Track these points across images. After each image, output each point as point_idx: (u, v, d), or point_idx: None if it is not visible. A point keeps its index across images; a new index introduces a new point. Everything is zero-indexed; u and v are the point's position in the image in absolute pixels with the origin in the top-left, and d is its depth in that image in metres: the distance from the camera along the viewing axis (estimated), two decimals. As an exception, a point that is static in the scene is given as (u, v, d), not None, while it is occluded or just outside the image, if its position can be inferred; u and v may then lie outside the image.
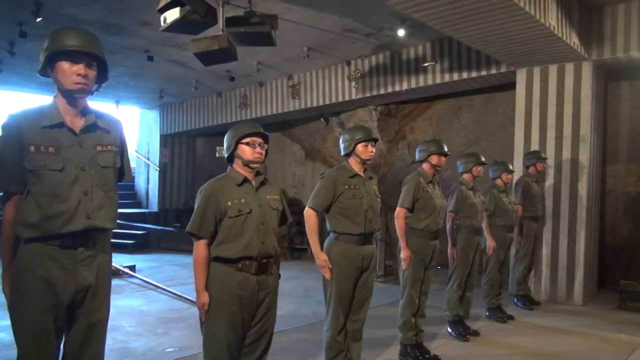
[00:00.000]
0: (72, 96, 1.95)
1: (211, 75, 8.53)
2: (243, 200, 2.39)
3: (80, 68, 1.91)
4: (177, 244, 9.58)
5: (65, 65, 1.91)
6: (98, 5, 5.56)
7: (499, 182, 5.13)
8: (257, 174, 2.52)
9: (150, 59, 7.42)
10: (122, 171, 2.18)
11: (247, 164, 2.45)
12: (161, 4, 4.17)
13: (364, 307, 3.19)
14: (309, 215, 3.12)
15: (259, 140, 2.46)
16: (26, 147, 1.88)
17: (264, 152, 2.48)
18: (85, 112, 2.02)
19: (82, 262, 1.96)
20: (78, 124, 1.99)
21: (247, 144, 2.43)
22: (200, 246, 2.40)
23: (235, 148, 2.45)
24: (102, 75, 2.06)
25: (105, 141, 2.05)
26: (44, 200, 1.89)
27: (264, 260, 2.43)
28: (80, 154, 1.96)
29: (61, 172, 1.91)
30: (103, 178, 2.02)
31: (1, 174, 1.93)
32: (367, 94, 7.70)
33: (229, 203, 2.36)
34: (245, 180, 2.45)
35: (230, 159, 2.51)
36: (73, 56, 1.91)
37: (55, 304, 1.92)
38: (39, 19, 5.41)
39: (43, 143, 1.90)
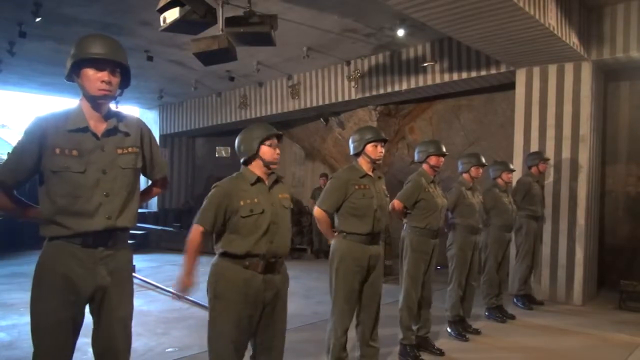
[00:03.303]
0: (96, 101, 2.03)
1: (211, 75, 8.53)
2: (256, 200, 2.42)
3: (104, 75, 1.99)
4: (177, 244, 9.55)
5: (90, 72, 1.99)
6: (98, 5, 5.56)
7: (499, 181, 5.13)
8: (271, 173, 2.57)
9: (150, 59, 7.42)
10: (145, 170, 2.27)
11: (267, 164, 2.50)
12: (161, 4, 4.17)
13: (372, 308, 3.17)
14: (321, 216, 3.17)
15: (276, 141, 2.53)
16: (51, 149, 1.96)
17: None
18: (107, 116, 2.09)
19: (102, 262, 2.04)
20: (100, 127, 2.07)
21: (270, 145, 2.49)
22: (198, 232, 2.43)
23: (258, 150, 2.49)
24: (124, 81, 2.13)
25: (126, 144, 2.13)
26: (65, 200, 1.96)
27: (272, 260, 2.45)
28: (102, 157, 2.04)
29: (83, 175, 1.99)
30: (124, 180, 2.10)
31: (8, 164, 1.99)
32: (367, 94, 7.71)
33: (242, 203, 2.40)
34: (259, 179, 2.49)
35: (246, 161, 2.54)
36: (98, 63, 1.98)
37: (75, 301, 2.00)
38: (38, 19, 5.41)
39: (68, 146, 1.97)
